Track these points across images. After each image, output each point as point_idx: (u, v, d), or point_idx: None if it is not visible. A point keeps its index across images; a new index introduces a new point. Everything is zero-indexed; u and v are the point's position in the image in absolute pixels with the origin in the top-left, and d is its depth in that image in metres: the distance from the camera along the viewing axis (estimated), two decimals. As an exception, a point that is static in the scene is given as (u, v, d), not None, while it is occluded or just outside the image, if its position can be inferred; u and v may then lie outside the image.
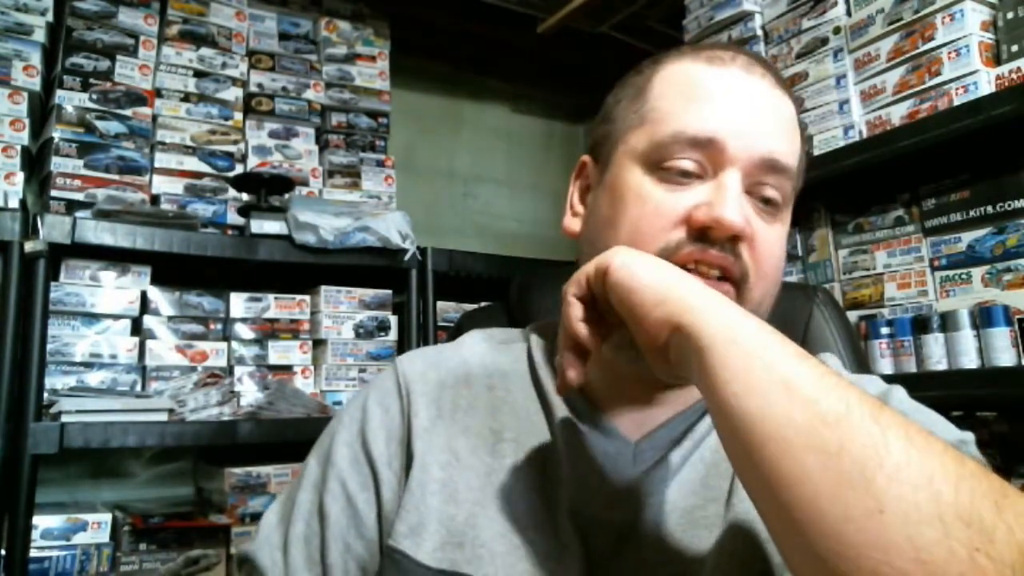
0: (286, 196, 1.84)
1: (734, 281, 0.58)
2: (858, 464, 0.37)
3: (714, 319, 0.45)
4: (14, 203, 1.56)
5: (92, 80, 1.75)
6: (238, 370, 1.72)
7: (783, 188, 0.61)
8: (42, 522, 1.46)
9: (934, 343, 1.29)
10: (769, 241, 0.60)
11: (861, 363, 0.87)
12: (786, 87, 0.65)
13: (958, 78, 1.30)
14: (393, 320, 1.90)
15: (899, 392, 0.61)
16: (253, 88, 1.97)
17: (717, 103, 0.60)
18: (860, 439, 0.38)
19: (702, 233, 0.57)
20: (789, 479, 0.39)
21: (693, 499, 0.58)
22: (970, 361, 1.26)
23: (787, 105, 0.63)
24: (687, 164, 0.59)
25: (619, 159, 0.63)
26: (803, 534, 0.38)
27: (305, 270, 1.78)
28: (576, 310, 0.52)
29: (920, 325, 1.33)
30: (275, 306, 1.79)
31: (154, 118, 1.82)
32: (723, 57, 0.63)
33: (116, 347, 1.60)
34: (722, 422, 0.44)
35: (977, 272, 1.31)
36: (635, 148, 0.62)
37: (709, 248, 0.57)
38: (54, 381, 1.52)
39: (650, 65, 0.66)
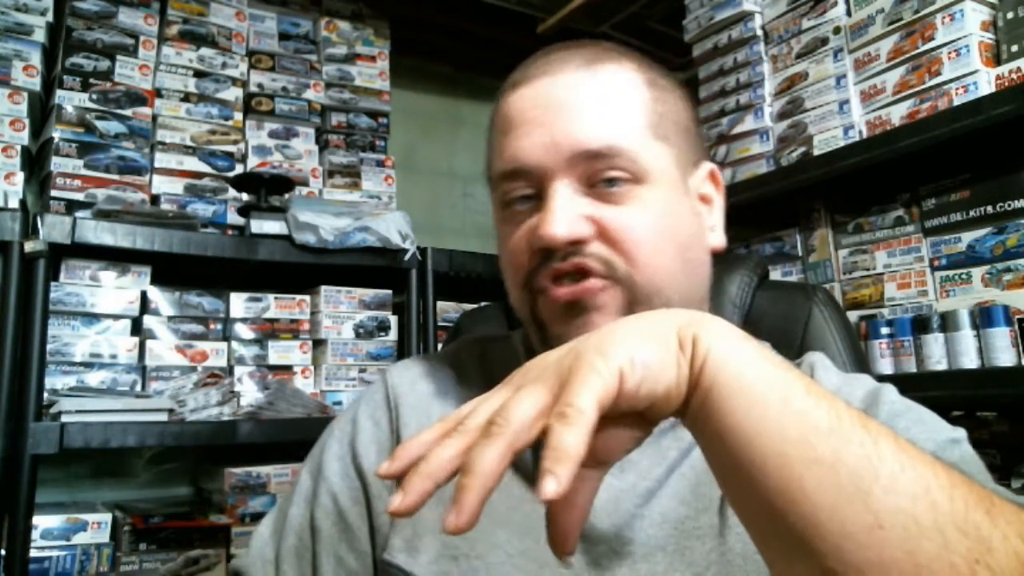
0: (286, 196, 1.84)
1: (602, 276, 0.58)
2: (855, 476, 0.36)
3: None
4: (14, 203, 1.56)
5: (92, 80, 1.75)
6: (238, 370, 1.72)
7: (623, 165, 0.59)
8: (42, 522, 1.46)
9: (934, 343, 1.29)
10: (626, 223, 0.59)
11: (861, 363, 0.86)
12: (613, 58, 0.62)
13: (958, 78, 1.30)
14: (393, 320, 1.90)
15: (890, 390, 0.60)
16: (253, 88, 1.97)
17: (518, 129, 0.61)
18: (854, 449, 0.37)
19: (547, 253, 0.59)
20: (787, 496, 0.37)
21: (684, 509, 0.58)
22: (970, 361, 1.25)
23: (599, 79, 0.60)
24: (521, 193, 0.62)
25: (492, 197, 0.67)
26: (801, 554, 0.36)
27: (305, 270, 1.78)
28: (587, 430, 0.37)
29: (920, 325, 1.32)
30: (275, 306, 1.79)
31: (154, 118, 1.82)
32: (527, 74, 0.63)
33: (116, 347, 1.60)
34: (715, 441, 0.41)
35: (977, 272, 1.31)
36: (491, 189, 0.66)
37: (559, 263, 0.58)
38: (54, 381, 1.52)
39: (500, 95, 0.67)
